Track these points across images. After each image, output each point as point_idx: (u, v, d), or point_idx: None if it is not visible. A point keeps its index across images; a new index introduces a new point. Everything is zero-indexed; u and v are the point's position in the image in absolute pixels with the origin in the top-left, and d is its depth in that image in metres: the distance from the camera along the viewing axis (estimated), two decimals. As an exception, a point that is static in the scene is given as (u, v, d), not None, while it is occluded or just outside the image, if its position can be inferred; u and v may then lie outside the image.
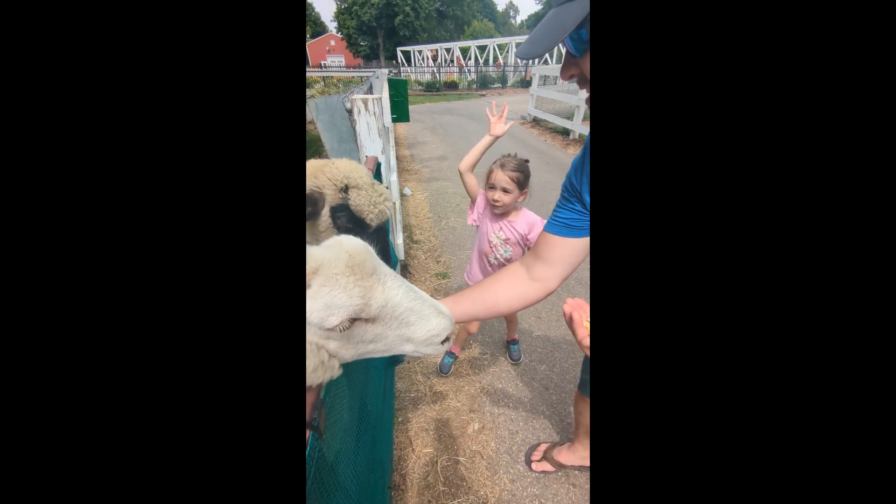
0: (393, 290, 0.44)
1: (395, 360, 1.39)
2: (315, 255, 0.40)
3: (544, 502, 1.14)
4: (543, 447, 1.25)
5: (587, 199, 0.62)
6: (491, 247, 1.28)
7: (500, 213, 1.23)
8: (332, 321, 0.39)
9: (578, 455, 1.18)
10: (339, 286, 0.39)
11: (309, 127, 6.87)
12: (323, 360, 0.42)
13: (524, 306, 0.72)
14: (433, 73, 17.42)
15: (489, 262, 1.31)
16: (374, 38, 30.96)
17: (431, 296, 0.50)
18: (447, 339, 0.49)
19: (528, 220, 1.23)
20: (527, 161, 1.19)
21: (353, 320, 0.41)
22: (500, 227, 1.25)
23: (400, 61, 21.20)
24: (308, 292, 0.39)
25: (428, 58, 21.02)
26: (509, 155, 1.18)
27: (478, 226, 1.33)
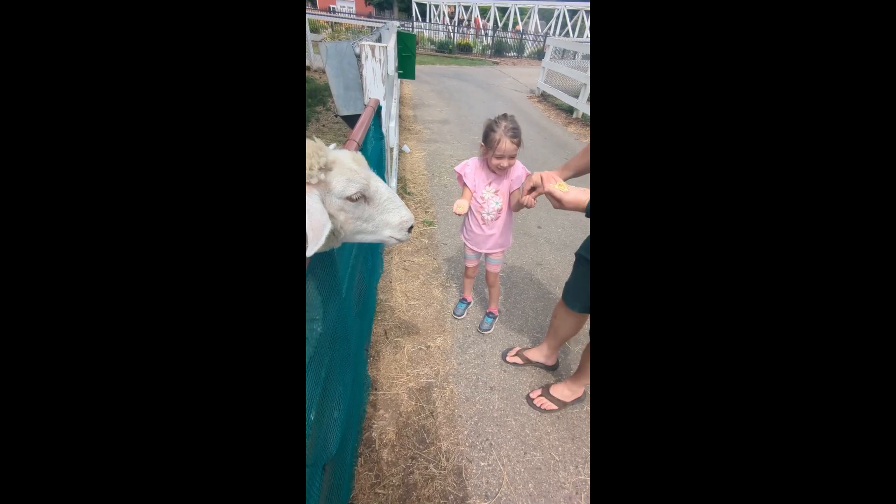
0: (380, 183, 0.64)
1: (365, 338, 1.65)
2: (329, 153, 0.57)
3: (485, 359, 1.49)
4: (517, 349, 1.59)
5: None
6: (483, 202, 1.38)
7: (501, 174, 1.32)
8: (350, 190, 0.57)
9: (543, 353, 1.52)
10: (353, 170, 0.59)
11: (315, 76, 6.76)
12: (334, 228, 0.58)
13: None
14: (448, 32, 16.62)
15: (482, 217, 1.42)
16: (390, -15, 28.75)
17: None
18: (411, 229, 0.68)
19: (517, 169, 1.33)
20: (513, 116, 1.25)
21: (360, 196, 0.59)
22: (490, 182, 1.36)
23: (415, 14, 20.00)
24: (331, 174, 0.56)
25: (445, 14, 19.86)
26: (505, 116, 1.23)
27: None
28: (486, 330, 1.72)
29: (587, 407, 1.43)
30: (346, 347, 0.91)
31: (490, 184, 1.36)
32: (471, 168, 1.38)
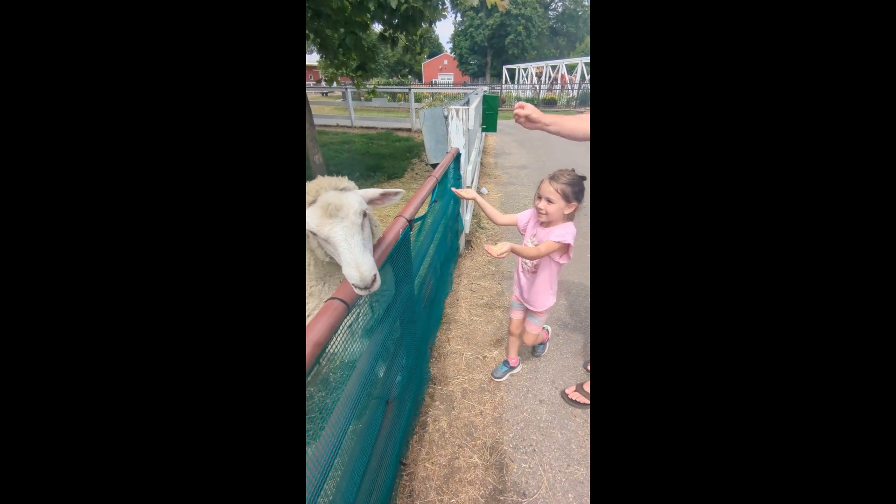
0: (337, 233, 0.69)
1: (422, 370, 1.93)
2: (321, 195, 0.73)
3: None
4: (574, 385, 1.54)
5: None
6: None
7: (544, 221, 1.24)
8: (308, 226, 0.72)
9: None
10: (311, 213, 0.72)
11: (414, 135, 8.12)
12: (310, 246, 0.78)
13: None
14: (534, 89, 17.86)
15: (522, 264, 1.39)
16: (484, 56, 32.79)
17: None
18: (361, 288, 0.67)
19: (563, 228, 1.21)
20: (583, 178, 1.17)
21: (314, 233, 0.72)
22: (535, 234, 1.29)
23: (504, 79, 22.17)
24: (308, 209, 0.71)
25: (532, 75, 21.50)
26: (567, 170, 1.20)
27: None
28: (539, 354, 1.76)
29: (645, 439, 1.36)
30: (413, 322, 1.19)
31: (534, 235, 1.31)
32: (526, 214, 1.37)
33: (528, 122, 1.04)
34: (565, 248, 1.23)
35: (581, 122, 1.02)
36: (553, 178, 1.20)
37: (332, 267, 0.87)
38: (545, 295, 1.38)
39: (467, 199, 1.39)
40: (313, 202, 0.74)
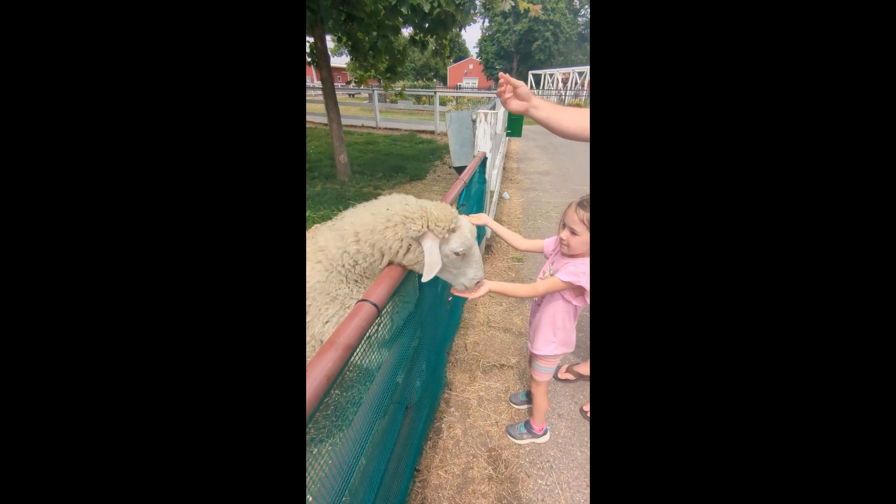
0: (476, 248, 0.91)
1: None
2: (460, 220, 0.87)
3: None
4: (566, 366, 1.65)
5: None
6: (542, 277, 1.18)
7: (567, 253, 1.06)
8: (459, 249, 0.85)
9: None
10: (466, 237, 0.87)
11: (437, 138, 8.17)
12: (396, 257, 0.84)
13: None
14: (560, 95, 17.66)
15: (535, 300, 1.23)
16: (510, 61, 32.72)
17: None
18: (478, 283, 0.92)
19: (579, 266, 1.01)
20: None
21: (462, 253, 0.86)
22: (553, 262, 1.14)
23: (530, 84, 22.01)
24: (453, 234, 0.84)
25: (559, 81, 21.26)
26: None
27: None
28: (513, 436, 1.39)
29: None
30: (435, 326, 1.17)
31: (552, 262, 1.16)
32: (553, 241, 1.21)
33: (515, 96, 0.86)
34: (579, 290, 1.03)
35: (582, 122, 0.85)
36: (581, 204, 0.99)
37: (371, 271, 0.91)
38: (544, 337, 1.17)
39: (479, 225, 1.14)
40: (454, 229, 0.85)
